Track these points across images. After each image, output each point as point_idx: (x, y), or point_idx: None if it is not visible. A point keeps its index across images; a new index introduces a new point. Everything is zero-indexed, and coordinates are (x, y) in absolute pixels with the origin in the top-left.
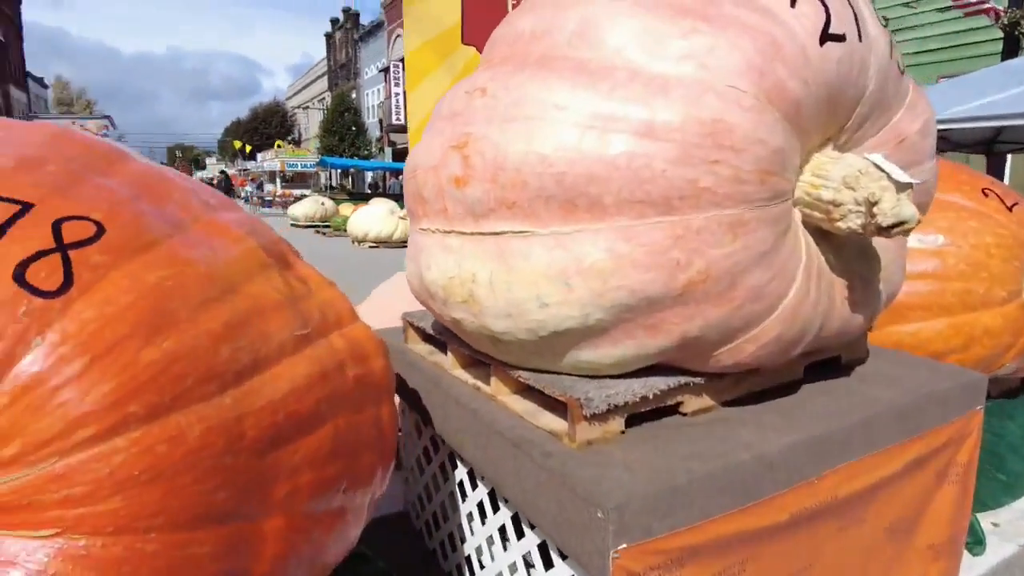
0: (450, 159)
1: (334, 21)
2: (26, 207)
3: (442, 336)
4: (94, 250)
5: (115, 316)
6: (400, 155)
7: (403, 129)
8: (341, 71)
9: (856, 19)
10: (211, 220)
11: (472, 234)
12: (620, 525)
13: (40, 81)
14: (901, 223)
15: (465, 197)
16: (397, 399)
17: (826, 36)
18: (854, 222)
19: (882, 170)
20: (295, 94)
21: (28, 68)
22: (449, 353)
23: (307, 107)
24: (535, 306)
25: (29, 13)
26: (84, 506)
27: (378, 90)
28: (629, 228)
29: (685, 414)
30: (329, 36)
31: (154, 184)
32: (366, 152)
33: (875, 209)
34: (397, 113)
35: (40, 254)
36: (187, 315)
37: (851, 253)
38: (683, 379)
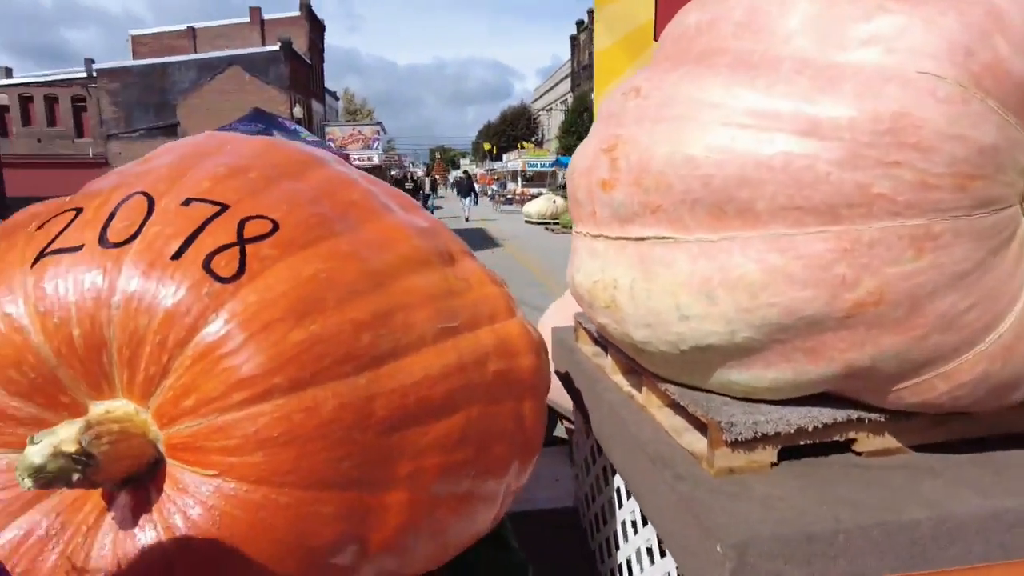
0: (599, 162)
1: (579, 23)
2: (223, 208)
3: (603, 339)
4: (266, 244)
5: (271, 301)
6: None
7: None
8: (583, 72)
9: None
10: (384, 222)
11: (616, 239)
12: (740, 564)
13: (333, 95)
14: None
15: (611, 201)
16: (569, 398)
17: None
18: None
19: None
20: (540, 96)
21: (326, 84)
22: (609, 356)
23: (550, 109)
24: (675, 318)
25: (331, 38)
26: (235, 456)
27: None
28: (785, 238)
29: (860, 454)
30: (574, 38)
31: (338, 189)
32: None
33: None
34: None
35: (224, 247)
36: (335, 304)
37: None
38: (856, 413)
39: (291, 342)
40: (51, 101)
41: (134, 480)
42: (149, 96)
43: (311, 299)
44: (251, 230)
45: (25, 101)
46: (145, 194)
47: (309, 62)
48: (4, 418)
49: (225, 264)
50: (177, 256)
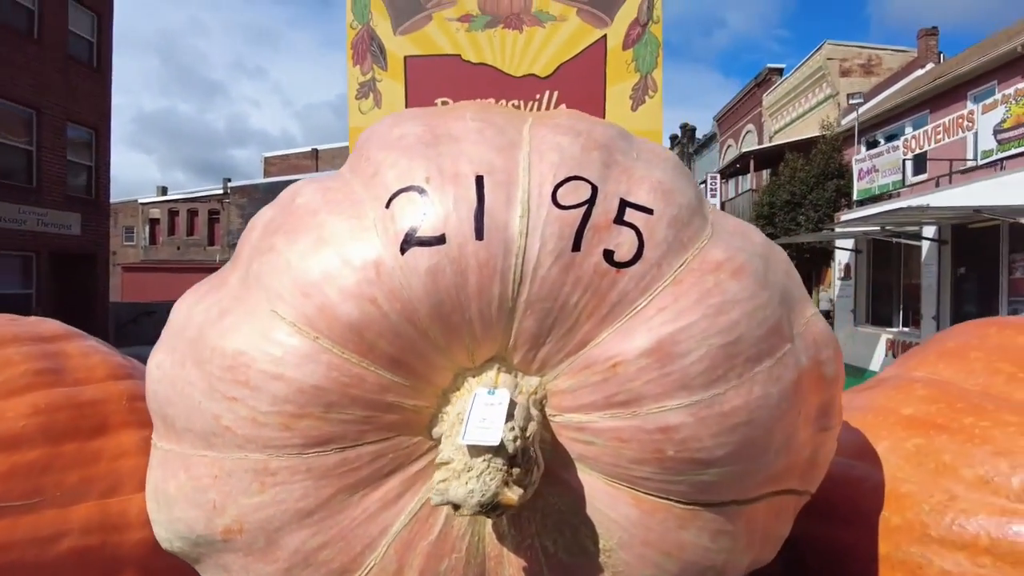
0: None
1: (673, 137)
2: None
3: None
4: None
5: None
6: None
7: None
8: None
9: (478, 211)
10: (22, 397)
11: None
12: None
13: None
14: (452, 505)
15: None
16: None
17: (411, 241)
18: None
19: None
20: None
21: None
22: None
23: None
24: (148, 520)
25: None
26: None
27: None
28: (188, 457)
29: None
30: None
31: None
32: None
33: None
34: None
35: None
36: None
37: (559, 519)
38: None
39: None
40: (192, 214)
41: None
42: None
43: None
44: None
45: (173, 215)
46: None
47: None
48: None
49: None
50: None
